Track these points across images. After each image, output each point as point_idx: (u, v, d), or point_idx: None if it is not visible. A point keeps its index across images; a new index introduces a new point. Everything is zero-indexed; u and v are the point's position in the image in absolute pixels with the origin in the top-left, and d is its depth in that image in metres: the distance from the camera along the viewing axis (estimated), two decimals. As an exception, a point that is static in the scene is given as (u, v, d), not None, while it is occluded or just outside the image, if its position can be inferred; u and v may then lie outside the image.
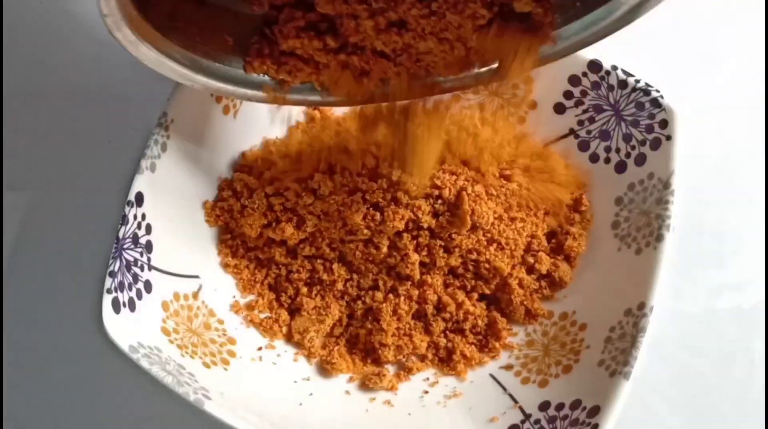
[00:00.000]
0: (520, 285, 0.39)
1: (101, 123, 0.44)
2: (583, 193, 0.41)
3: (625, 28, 0.30)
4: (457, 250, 0.38)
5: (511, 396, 0.37)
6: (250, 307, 0.40)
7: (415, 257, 0.38)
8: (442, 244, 0.38)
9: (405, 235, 0.38)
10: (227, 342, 0.38)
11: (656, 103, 0.39)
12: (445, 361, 0.39)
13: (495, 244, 0.39)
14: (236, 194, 0.41)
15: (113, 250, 0.35)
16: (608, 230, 0.40)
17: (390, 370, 0.39)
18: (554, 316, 0.39)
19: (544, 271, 0.40)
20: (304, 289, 0.39)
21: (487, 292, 0.39)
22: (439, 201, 0.38)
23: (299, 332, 0.39)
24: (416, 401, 0.38)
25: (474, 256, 0.38)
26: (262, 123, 0.43)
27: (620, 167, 0.40)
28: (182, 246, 0.39)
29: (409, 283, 0.39)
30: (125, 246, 0.36)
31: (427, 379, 0.39)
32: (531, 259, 0.40)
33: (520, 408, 0.36)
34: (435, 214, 0.38)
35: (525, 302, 0.39)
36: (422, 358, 0.39)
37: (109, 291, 0.35)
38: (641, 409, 0.39)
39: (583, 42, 0.32)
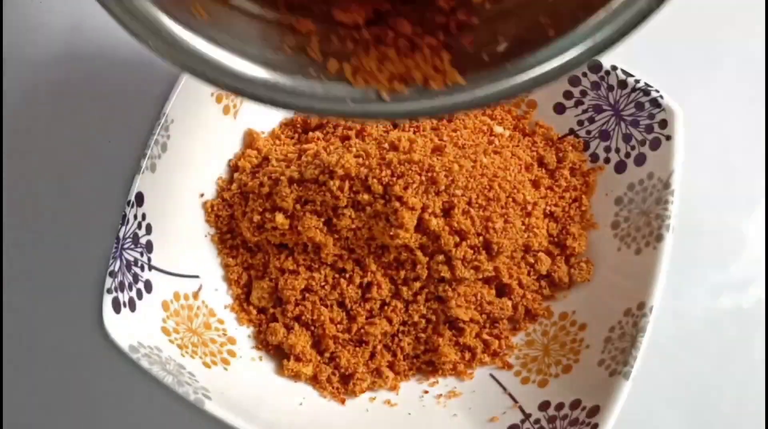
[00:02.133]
0: (520, 285, 0.39)
1: (101, 123, 0.44)
2: (583, 193, 0.41)
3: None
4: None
5: (510, 396, 0.37)
6: (250, 306, 0.40)
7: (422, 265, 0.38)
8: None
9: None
10: (227, 342, 0.38)
11: (656, 103, 0.39)
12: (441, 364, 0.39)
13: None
14: (236, 194, 0.41)
15: (113, 250, 0.35)
16: (608, 230, 0.40)
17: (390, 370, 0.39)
18: (554, 316, 0.39)
19: (544, 272, 0.40)
20: (296, 282, 0.39)
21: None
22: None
23: (288, 348, 0.39)
24: (416, 401, 0.38)
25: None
26: (262, 123, 0.43)
27: (620, 167, 0.40)
28: (182, 246, 0.39)
29: (416, 284, 0.39)
30: (125, 246, 0.36)
31: (427, 378, 0.39)
32: (531, 259, 0.40)
33: (520, 408, 0.36)
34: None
35: (525, 302, 0.39)
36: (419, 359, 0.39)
37: (109, 291, 0.35)
38: (641, 409, 0.39)
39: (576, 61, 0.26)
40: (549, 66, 0.25)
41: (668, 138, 0.38)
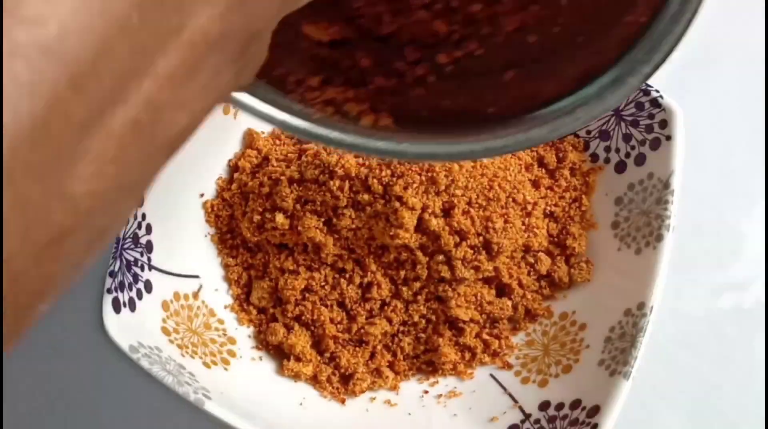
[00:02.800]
0: (520, 285, 0.39)
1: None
2: (583, 193, 0.41)
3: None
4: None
5: (510, 396, 0.37)
6: (250, 306, 0.40)
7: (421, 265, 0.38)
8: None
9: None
10: (227, 342, 0.38)
11: (656, 103, 0.39)
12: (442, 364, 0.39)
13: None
14: (236, 194, 0.41)
15: (113, 250, 0.35)
16: (608, 230, 0.40)
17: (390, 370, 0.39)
18: (554, 316, 0.39)
19: (544, 272, 0.40)
20: (298, 282, 0.39)
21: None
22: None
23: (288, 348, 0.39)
24: (416, 401, 0.38)
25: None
26: (262, 123, 0.43)
27: (620, 167, 0.40)
28: (182, 246, 0.39)
29: (416, 284, 0.39)
30: (125, 246, 0.36)
31: (428, 378, 0.39)
32: (531, 259, 0.40)
33: (520, 408, 0.36)
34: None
35: (525, 302, 0.39)
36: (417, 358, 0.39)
37: (109, 291, 0.35)
38: (641, 409, 0.39)
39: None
40: (473, 146, 0.24)
41: (668, 138, 0.38)
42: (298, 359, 0.38)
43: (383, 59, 0.26)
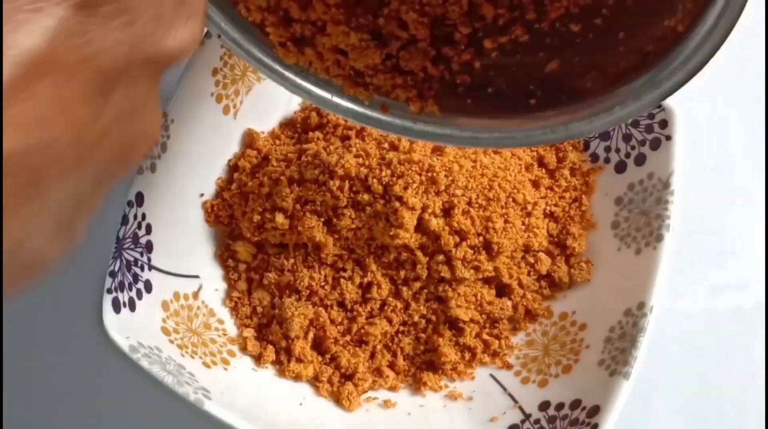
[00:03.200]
0: (520, 285, 0.39)
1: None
2: (583, 193, 0.41)
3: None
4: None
5: (510, 396, 0.37)
6: (250, 307, 0.40)
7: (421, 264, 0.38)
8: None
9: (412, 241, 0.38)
10: (227, 342, 0.38)
11: (656, 103, 0.39)
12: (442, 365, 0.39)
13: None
14: (236, 194, 0.41)
15: (113, 250, 0.35)
16: (608, 230, 0.40)
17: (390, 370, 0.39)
18: (554, 316, 0.39)
19: (544, 272, 0.40)
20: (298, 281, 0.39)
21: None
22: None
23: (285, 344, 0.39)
24: (416, 401, 0.38)
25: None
26: (262, 123, 0.43)
27: (620, 167, 0.40)
28: (182, 246, 0.39)
29: (416, 284, 0.39)
30: (125, 246, 0.36)
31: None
32: (531, 259, 0.40)
33: (520, 408, 0.36)
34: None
35: (525, 302, 0.39)
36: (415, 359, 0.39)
37: (109, 291, 0.35)
38: (641, 409, 0.39)
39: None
40: (514, 133, 0.26)
41: (668, 138, 0.38)
42: (298, 360, 0.38)
43: (431, 43, 0.26)
